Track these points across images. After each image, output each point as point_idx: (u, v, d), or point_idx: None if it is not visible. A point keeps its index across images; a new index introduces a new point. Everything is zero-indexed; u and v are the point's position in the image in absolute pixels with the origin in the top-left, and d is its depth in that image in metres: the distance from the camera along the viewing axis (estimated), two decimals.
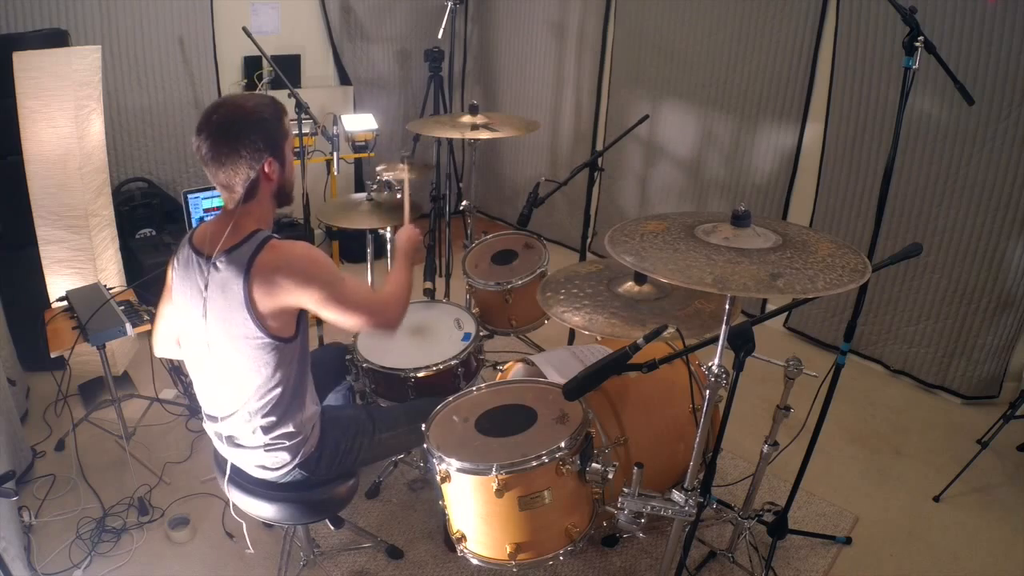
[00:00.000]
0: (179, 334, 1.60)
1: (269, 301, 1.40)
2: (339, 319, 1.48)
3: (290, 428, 1.55)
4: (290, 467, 1.59)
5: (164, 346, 1.69)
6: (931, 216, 2.91)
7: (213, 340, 1.48)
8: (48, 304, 2.55)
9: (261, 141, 1.39)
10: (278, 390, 1.50)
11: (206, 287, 1.43)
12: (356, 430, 1.72)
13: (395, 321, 1.59)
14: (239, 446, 1.59)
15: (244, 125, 1.37)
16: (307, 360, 1.58)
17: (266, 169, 1.42)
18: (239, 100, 1.42)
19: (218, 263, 1.40)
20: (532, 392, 1.76)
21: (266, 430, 1.54)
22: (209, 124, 1.36)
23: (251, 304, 1.39)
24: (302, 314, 1.50)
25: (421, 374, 2.04)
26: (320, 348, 2.23)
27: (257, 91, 3.88)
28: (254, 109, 1.40)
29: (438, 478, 1.59)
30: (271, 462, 1.59)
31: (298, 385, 1.55)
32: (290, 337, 1.47)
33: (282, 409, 1.53)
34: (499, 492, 1.47)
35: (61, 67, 2.43)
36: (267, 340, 1.43)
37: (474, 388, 1.80)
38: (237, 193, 1.41)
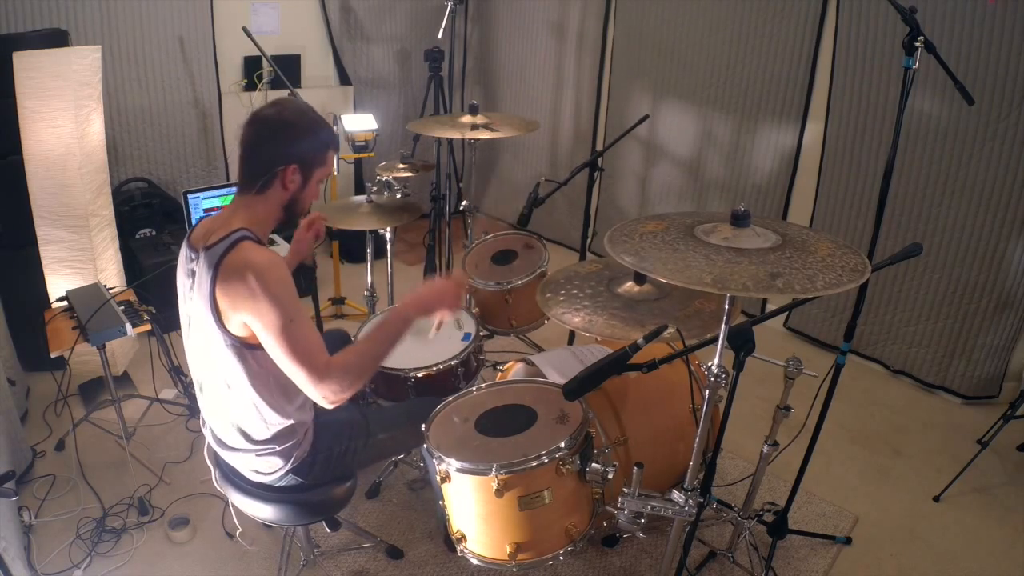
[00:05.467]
0: None
1: (229, 304, 1.36)
2: (281, 359, 1.36)
3: (276, 433, 1.53)
4: (283, 471, 1.59)
5: None
6: (931, 216, 2.91)
7: (194, 336, 1.49)
8: (48, 304, 2.55)
9: (296, 148, 1.43)
10: (254, 394, 1.47)
11: (192, 281, 1.43)
12: (351, 433, 1.71)
13: (338, 395, 1.39)
14: (230, 448, 1.59)
15: (293, 125, 1.43)
16: None
17: (288, 174, 1.43)
18: (302, 105, 1.48)
19: (200, 257, 1.40)
20: (532, 392, 1.76)
21: (246, 433, 1.53)
22: (264, 110, 1.44)
23: (214, 302, 1.37)
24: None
25: (421, 374, 2.04)
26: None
27: (259, 91, 3.89)
28: (304, 115, 1.46)
29: (438, 478, 1.59)
30: (264, 467, 1.58)
31: (282, 395, 1.50)
32: (258, 344, 1.40)
33: (262, 415, 1.50)
34: (499, 492, 1.47)
35: (61, 67, 2.43)
36: (231, 342, 1.40)
37: (474, 388, 1.81)
38: (254, 181, 1.44)
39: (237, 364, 1.43)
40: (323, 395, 1.38)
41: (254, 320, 1.35)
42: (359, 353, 1.46)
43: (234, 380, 1.46)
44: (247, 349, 1.41)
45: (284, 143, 1.43)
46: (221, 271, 1.35)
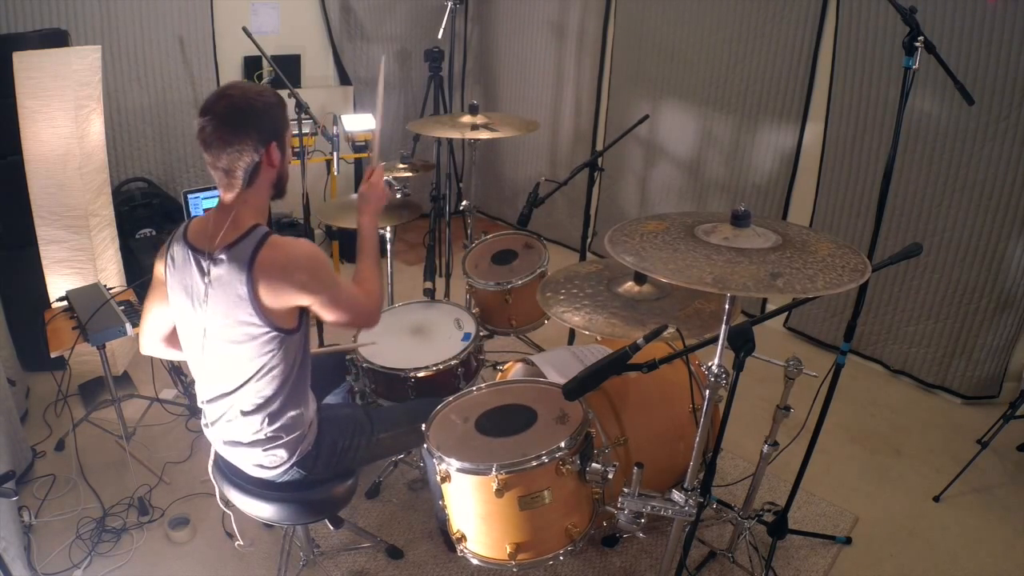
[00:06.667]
0: (179, 332, 1.58)
1: (275, 299, 1.41)
2: (333, 318, 1.53)
3: (287, 423, 1.55)
4: (288, 465, 1.59)
5: (150, 344, 1.68)
6: (931, 216, 2.91)
7: (211, 336, 1.47)
8: (48, 304, 2.55)
9: (268, 125, 1.42)
10: (276, 383, 1.50)
11: (208, 283, 1.41)
12: (354, 429, 1.72)
13: (377, 318, 1.64)
14: (237, 444, 1.59)
15: (253, 109, 1.39)
16: (307, 356, 1.58)
17: (271, 155, 1.44)
18: (245, 86, 1.45)
19: (218, 258, 1.39)
20: (532, 392, 1.76)
21: (262, 424, 1.53)
22: (216, 106, 1.37)
23: (256, 300, 1.39)
24: (304, 308, 1.50)
25: (421, 374, 2.04)
26: (320, 349, 2.24)
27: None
28: (261, 94, 1.43)
29: (438, 478, 1.59)
30: (269, 461, 1.59)
31: (297, 381, 1.54)
32: (292, 329, 1.48)
33: (280, 404, 1.52)
34: (499, 492, 1.47)
35: (61, 67, 2.43)
36: (271, 333, 1.44)
37: (474, 388, 1.81)
38: (238, 179, 1.41)
39: (264, 353, 1.45)
40: (371, 325, 1.65)
41: (308, 302, 1.46)
42: (370, 280, 1.65)
43: (254, 374, 1.47)
44: (283, 334, 1.46)
45: (255, 128, 1.39)
46: (258, 268, 1.38)
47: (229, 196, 1.45)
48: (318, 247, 1.51)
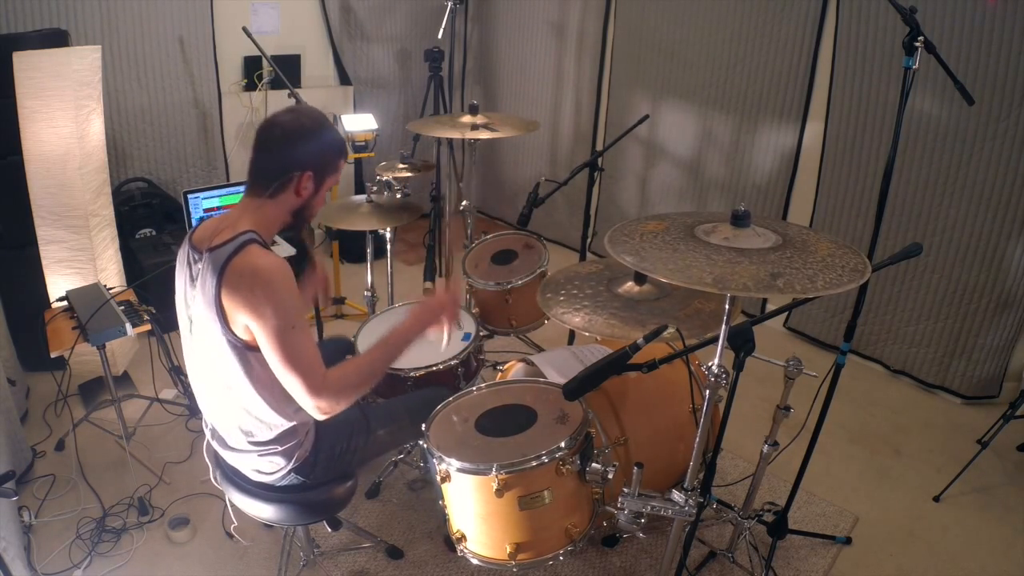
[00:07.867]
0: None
1: (232, 306, 1.36)
2: (277, 366, 1.37)
3: (282, 434, 1.54)
4: (285, 471, 1.59)
5: None
6: (931, 216, 2.91)
7: (195, 337, 1.48)
8: (48, 304, 2.55)
9: (317, 156, 1.45)
10: (256, 396, 1.47)
11: (192, 280, 1.43)
12: (351, 430, 1.71)
13: (331, 408, 1.41)
14: (232, 448, 1.59)
15: (316, 133, 1.45)
16: None
17: (302, 180, 1.45)
18: (318, 115, 1.50)
19: (204, 256, 1.40)
20: (532, 392, 1.76)
21: (249, 434, 1.53)
22: (285, 116, 1.45)
23: (219, 304, 1.37)
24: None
25: (421, 374, 2.04)
26: (319, 343, 2.23)
27: (259, 91, 3.89)
28: (330, 131, 1.49)
29: (438, 478, 1.59)
30: (266, 467, 1.58)
31: (281, 397, 1.47)
32: (254, 345, 1.41)
33: (269, 416, 1.50)
34: (499, 492, 1.47)
35: (61, 67, 2.43)
36: (234, 344, 1.40)
37: (474, 388, 1.81)
38: (266, 184, 1.44)
39: (239, 366, 1.43)
40: (316, 406, 1.40)
41: (255, 324, 1.35)
42: (356, 369, 1.48)
43: (236, 382, 1.46)
44: (250, 351, 1.41)
45: (301, 150, 1.43)
46: (227, 273, 1.35)
47: (247, 199, 1.47)
48: (293, 277, 1.41)
